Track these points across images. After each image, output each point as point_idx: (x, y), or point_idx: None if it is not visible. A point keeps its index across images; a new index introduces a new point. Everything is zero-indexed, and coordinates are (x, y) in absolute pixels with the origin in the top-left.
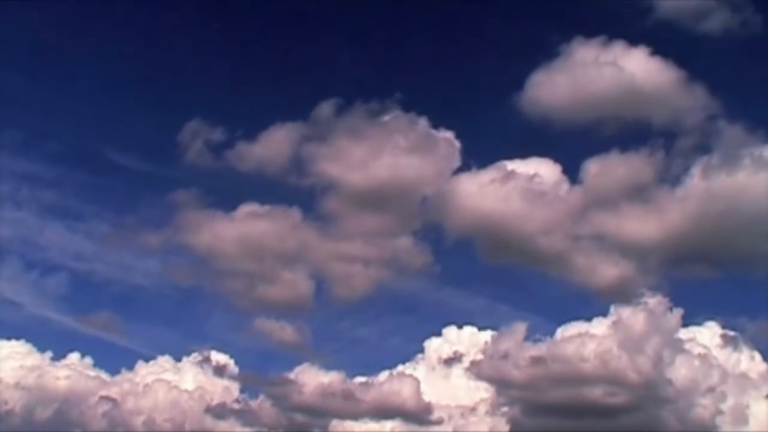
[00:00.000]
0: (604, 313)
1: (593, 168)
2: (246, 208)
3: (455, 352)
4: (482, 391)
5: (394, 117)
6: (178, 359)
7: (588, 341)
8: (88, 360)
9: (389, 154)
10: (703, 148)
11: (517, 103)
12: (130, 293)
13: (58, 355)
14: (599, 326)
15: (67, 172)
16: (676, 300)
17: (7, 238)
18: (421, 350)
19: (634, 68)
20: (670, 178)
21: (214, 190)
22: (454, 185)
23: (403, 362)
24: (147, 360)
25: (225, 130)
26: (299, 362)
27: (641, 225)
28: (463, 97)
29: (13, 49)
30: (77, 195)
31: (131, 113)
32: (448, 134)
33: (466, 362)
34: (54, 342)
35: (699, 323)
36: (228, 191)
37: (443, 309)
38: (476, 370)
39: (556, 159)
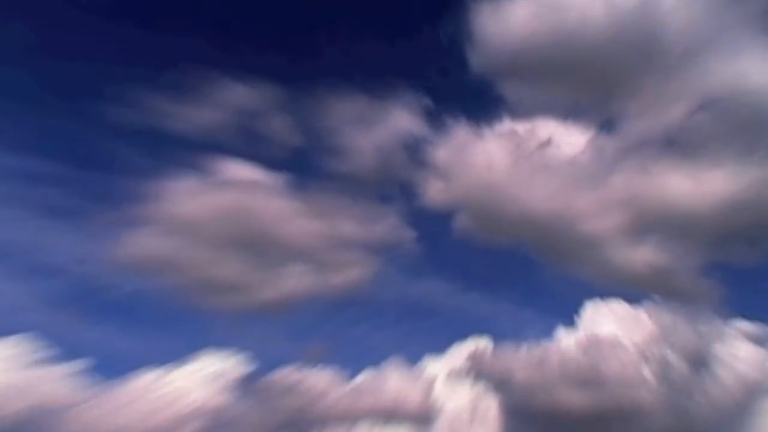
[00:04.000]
0: (634, 305)
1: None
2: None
3: (458, 356)
4: (486, 398)
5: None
6: (176, 362)
7: (609, 341)
8: (83, 365)
9: (379, 130)
10: None
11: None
12: (128, 296)
13: (55, 360)
14: (622, 323)
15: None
16: (721, 291)
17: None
18: (422, 354)
19: None
20: None
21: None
22: (450, 154)
23: (405, 364)
24: (144, 364)
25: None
26: (292, 363)
27: (683, 193)
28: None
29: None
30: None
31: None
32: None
33: (470, 366)
34: (51, 345)
35: (751, 319)
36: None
37: (443, 306)
38: (481, 376)
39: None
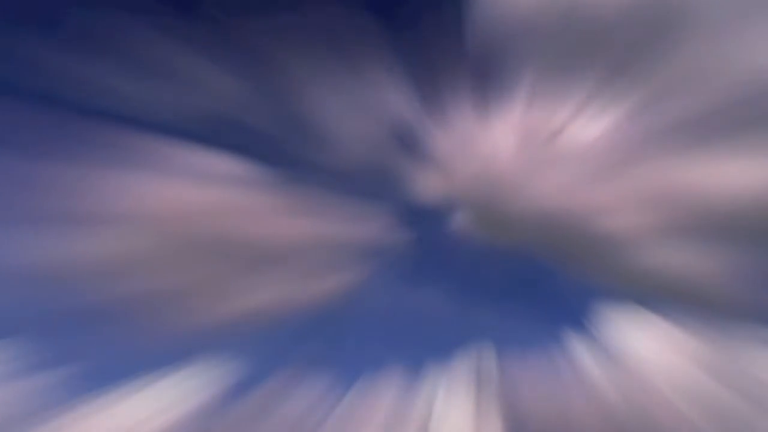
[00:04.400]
0: (660, 315)
1: (648, 103)
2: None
3: (459, 367)
4: (489, 411)
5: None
6: (149, 376)
7: (630, 355)
8: (46, 379)
9: (370, 117)
10: None
11: None
12: (94, 303)
13: (15, 373)
14: (646, 336)
15: (19, 161)
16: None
17: None
18: (419, 364)
19: None
20: None
21: None
22: (449, 144)
23: (401, 375)
24: (114, 378)
25: None
26: (279, 375)
27: (719, 186)
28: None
29: None
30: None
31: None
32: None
33: (472, 378)
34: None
35: None
36: None
37: (443, 313)
38: (484, 388)
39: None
